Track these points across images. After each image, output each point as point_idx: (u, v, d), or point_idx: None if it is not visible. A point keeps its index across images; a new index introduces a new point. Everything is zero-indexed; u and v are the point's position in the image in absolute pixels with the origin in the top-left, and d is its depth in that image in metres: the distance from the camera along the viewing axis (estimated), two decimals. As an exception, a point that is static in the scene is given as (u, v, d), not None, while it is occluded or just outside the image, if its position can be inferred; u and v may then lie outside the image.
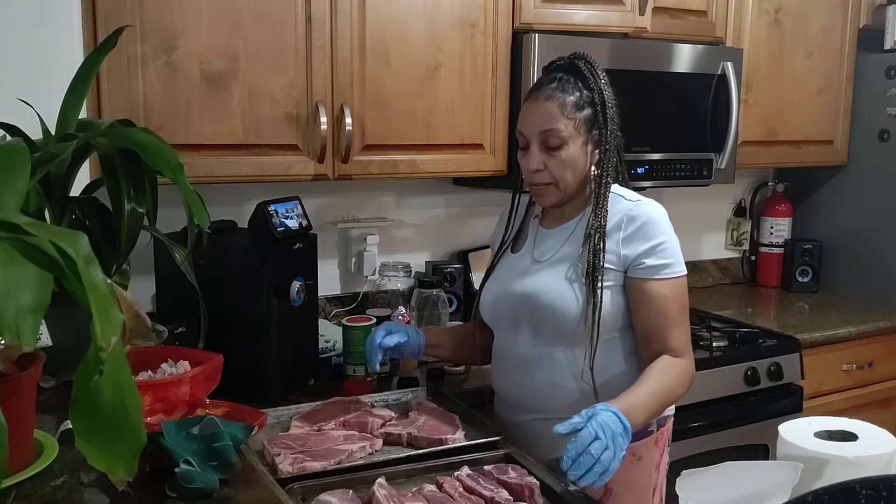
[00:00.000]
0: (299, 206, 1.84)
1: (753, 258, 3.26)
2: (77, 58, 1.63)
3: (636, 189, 1.68)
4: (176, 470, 1.15)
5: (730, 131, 2.49)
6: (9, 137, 1.42)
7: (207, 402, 1.44)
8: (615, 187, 1.62)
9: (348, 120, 1.98)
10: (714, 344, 2.38)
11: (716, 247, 3.25)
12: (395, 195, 2.51)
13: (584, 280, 1.55)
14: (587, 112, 1.56)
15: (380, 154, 2.08)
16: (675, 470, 1.25)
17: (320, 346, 1.99)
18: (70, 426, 1.05)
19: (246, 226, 1.83)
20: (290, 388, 1.83)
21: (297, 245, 1.82)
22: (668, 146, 2.44)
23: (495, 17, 2.17)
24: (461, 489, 1.35)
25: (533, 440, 1.62)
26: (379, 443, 1.53)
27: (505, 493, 1.34)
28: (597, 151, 1.58)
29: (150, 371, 1.41)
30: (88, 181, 1.61)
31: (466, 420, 1.62)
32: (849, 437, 1.19)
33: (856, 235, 2.99)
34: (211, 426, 1.25)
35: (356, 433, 1.55)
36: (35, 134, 1.43)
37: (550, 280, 1.59)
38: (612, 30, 2.30)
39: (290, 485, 1.31)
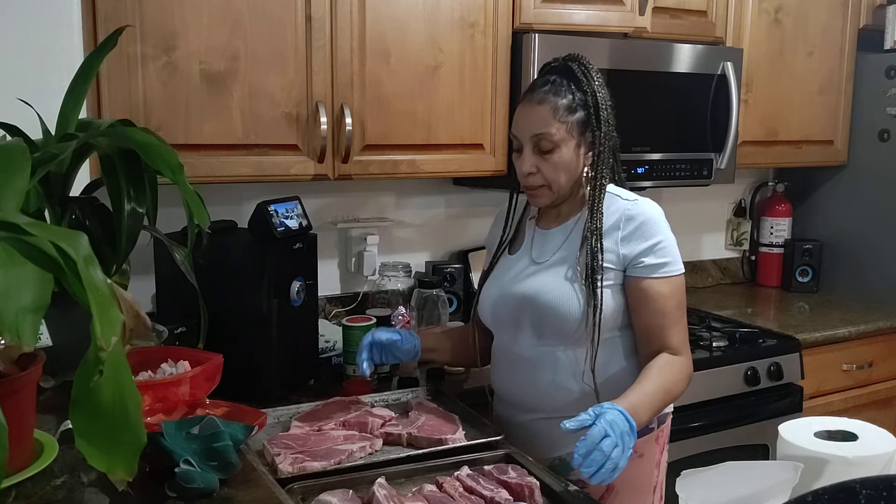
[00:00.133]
0: (299, 206, 1.84)
1: (753, 258, 3.26)
2: (77, 58, 1.63)
3: (636, 189, 1.68)
4: (176, 470, 1.15)
5: (730, 131, 2.49)
6: (9, 137, 1.42)
7: (207, 402, 1.45)
8: (611, 187, 1.62)
9: (348, 120, 1.98)
10: (714, 344, 2.38)
11: (716, 247, 3.25)
12: (395, 195, 2.51)
13: (583, 281, 1.56)
14: (580, 115, 1.56)
15: (380, 154, 2.08)
16: (675, 470, 1.25)
17: (320, 346, 1.99)
18: (70, 426, 1.05)
19: (246, 226, 1.83)
20: (290, 388, 1.83)
21: (297, 245, 1.82)
22: (668, 146, 2.44)
23: (495, 17, 2.17)
24: (461, 489, 1.35)
25: (535, 440, 1.63)
26: (379, 443, 1.53)
27: (505, 493, 1.34)
28: (590, 153, 1.59)
29: (150, 371, 1.41)
30: (88, 181, 1.61)
31: (466, 420, 1.62)
32: (849, 437, 1.19)
33: (856, 235, 2.99)
34: (211, 426, 1.25)
35: (356, 433, 1.55)
36: (35, 134, 1.43)
37: (550, 281, 1.60)
38: (612, 30, 2.30)
39: (290, 485, 1.31)
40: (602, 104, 1.57)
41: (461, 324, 2.29)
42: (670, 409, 1.69)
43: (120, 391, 0.90)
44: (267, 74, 1.91)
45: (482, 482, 1.37)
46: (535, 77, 1.66)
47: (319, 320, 2.00)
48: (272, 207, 1.76)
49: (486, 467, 1.43)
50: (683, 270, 1.60)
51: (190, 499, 1.14)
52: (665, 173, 2.44)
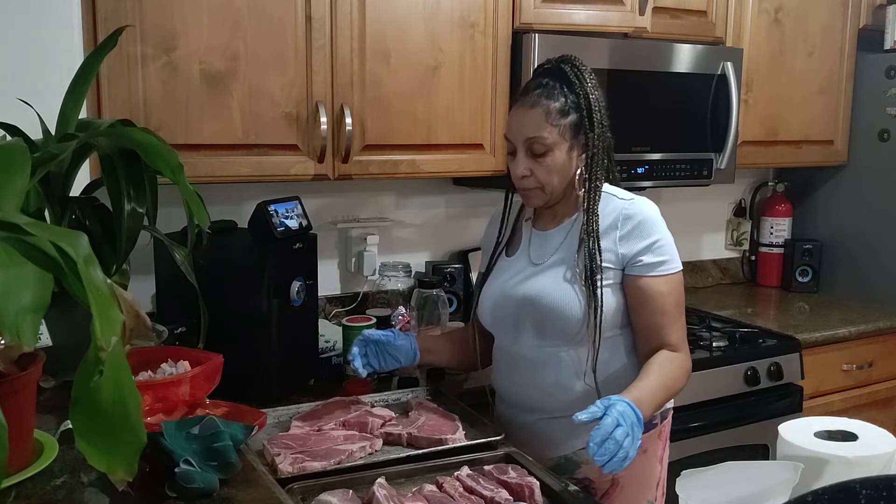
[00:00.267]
0: (299, 206, 1.84)
1: (753, 258, 3.26)
2: (77, 58, 1.63)
3: (636, 189, 1.68)
4: (176, 470, 1.15)
5: (730, 131, 2.49)
6: (9, 137, 1.42)
7: (207, 402, 1.45)
8: (607, 186, 1.63)
9: (348, 120, 1.98)
10: (714, 344, 2.38)
11: (716, 247, 3.25)
12: (395, 195, 2.51)
13: (583, 283, 1.56)
14: (573, 117, 1.56)
15: (380, 154, 2.08)
16: (675, 470, 1.25)
17: (320, 346, 1.99)
18: (70, 426, 1.05)
19: (246, 226, 1.83)
20: (290, 388, 1.83)
21: (297, 245, 1.82)
22: (668, 146, 2.44)
23: (495, 17, 2.17)
24: (461, 489, 1.35)
25: (539, 440, 1.64)
26: (379, 443, 1.53)
27: (505, 493, 1.34)
28: (584, 155, 1.59)
29: (150, 371, 1.41)
30: (88, 181, 1.61)
31: (466, 420, 1.63)
32: (849, 437, 1.19)
33: (856, 235, 2.99)
34: (211, 426, 1.25)
35: (356, 433, 1.55)
36: (35, 134, 1.44)
37: (551, 283, 1.60)
38: (612, 30, 2.30)
39: (290, 485, 1.32)
40: (595, 106, 1.57)
41: (461, 324, 2.29)
42: (671, 404, 1.71)
43: (120, 391, 0.90)
44: (267, 74, 1.91)
45: (482, 482, 1.37)
46: (529, 79, 1.66)
47: (319, 320, 2.00)
48: (272, 207, 1.76)
49: (486, 467, 1.43)
50: (681, 268, 1.61)
51: (190, 499, 1.14)
52: (665, 173, 2.44)
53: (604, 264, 1.57)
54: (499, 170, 2.24)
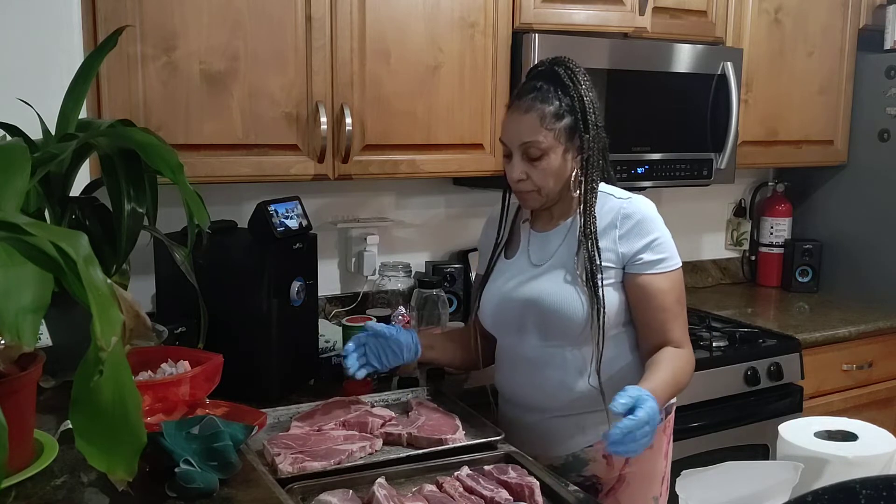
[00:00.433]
0: (299, 206, 1.84)
1: (753, 258, 3.26)
2: (77, 58, 1.63)
3: (636, 189, 1.69)
4: (176, 470, 1.15)
5: (730, 131, 2.49)
6: (9, 137, 1.42)
7: (207, 402, 1.45)
8: (603, 186, 1.63)
9: (348, 120, 1.98)
10: (714, 344, 2.38)
11: (716, 247, 3.25)
12: (395, 195, 2.51)
13: (584, 284, 1.57)
14: (567, 120, 1.56)
15: (380, 154, 2.08)
16: (675, 470, 1.25)
17: (320, 346, 1.99)
18: (70, 426, 1.05)
19: (246, 226, 1.83)
20: (290, 388, 1.83)
21: (297, 245, 1.82)
22: (668, 146, 2.44)
23: (495, 17, 2.17)
24: (461, 489, 1.35)
25: (546, 439, 1.65)
26: (379, 443, 1.53)
27: (505, 493, 1.34)
28: (580, 157, 1.59)
29: (150, 371, 1.41)
30: (88, 181, 1.61)
31: (466, 420, 1.62)
32: (849, 437, 1.19)
33: (856, 235, 2.99)
34: (211, 426, 1.25)
35: (356, 433, 1.55)
36: (35, 134, 1.44)
37: (552, 284, 1.61)
38: (612, 30, 2.30)
39: (290, 485, 1.31)
40: (589, 108, 1.57)
41: (461, 324, 2.29)
42: (674, 400, 1.72)
43: (120, 391, 0.90)
44: (267, 74, 1.91)
45: (482, 482, 1.37)
46: (523, 82, 1.66)
47: (319, 320, 2.00)
48: (272, 207, 1.76)
49: (486, 467, 1.43)
50: (681, 264, 1.62)
51: (190, 499, 1.14)
52: (665, 173, 2.44)
53: (604, 263, 1.57)
54: (498, 170, 2.23)
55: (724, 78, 2.47)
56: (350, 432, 1.55)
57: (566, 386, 1.61)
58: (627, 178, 2.34)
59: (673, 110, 2.45)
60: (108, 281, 0.93)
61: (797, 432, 1.20)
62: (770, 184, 3.24)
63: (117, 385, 0.90)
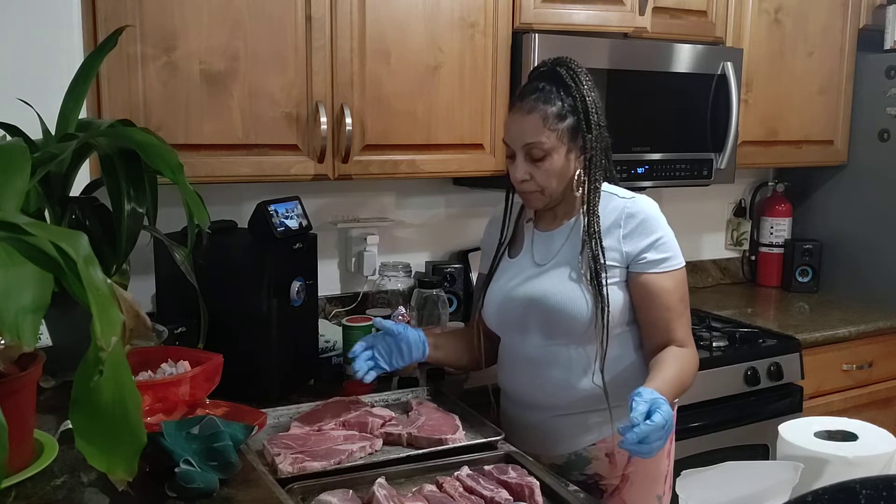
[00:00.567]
0: (299, 206, 1.84)
1: (753, 258, 3.26)
2: (77, 58, 1.63)
3: (636, 189, 1.69)
4: (176, 470, 1.15)
5: (730, 131, 2.49)
6: (9, 137, 1.42)
7: (207, 402, 1.45)
8: (606, 186, 1.64)
9: (348, 120, 1.98)
10: (714, 344, 2.38)
11: (716, 247, 3.25)
12: (395, 195, 2.51)
13: (588, 283, 1.57)
14: (570, 121, 1.57)
15: (380, 154, 2.08)
16: (675, 469, 1.25)
17: (320, 346, 1.99)
18: (70, 426, 1.05)
19: (246, 226, 1.83)
20: (290, 388, 1.83)
21: (297, 245, 1.82)
22: (668, 146, 2.44)
23: (495, 17, 2.16)
24: (461, 489, 1.35)
25: (549, 437, 1.65)
26: (379, 443, 1.53)
27: (505, 493, 1.34)
28: (582, 157, 1.59)
29: (150, 371, 1.41)
30: (88, 181, 1.61)
31: (466, 420, 1.63)
32: (849, 437, 1.19)
33: (856, 235, 2.99)
34: (211, 426, 1.25)
35: (356, 433, 1.55)
36: (35, 134, 1.43)
37: (556, 283, 1.61)
38: (612, 30, 2.30)
39: (290, 485, 1.32)
40: (592, 108, 1.57)
41: (461, 324, 2.29)
42: (677, 399, 1.70)
43: (120, 391, 0.90)
44: (267, 74, 1.91)
45: (482, 482, 1.37)
46: (525, 82, 1.66)
47: (319, 320, 2.00)
48: (272, 207, 1.76)
49: (486, 467, 1.43)
50: (684, 263, 1.62)
51: (190, 499, 1.14)
52: (665, 173, 2.44)
53: (609, 262, 1.58)
54: (499, 170, 2.23)
55: (724, 78, 2.47)
56: (350, 432, 1.55)
57: (569, 385, 1.62)
58: (627, 178, 2.34)
59: (673, 110, 2.45)
60: (108, 281, 0.93)
61: (797, 432, 1.19)
62: (770, 184, 3.24)
63: (117, 385, 0.90)
